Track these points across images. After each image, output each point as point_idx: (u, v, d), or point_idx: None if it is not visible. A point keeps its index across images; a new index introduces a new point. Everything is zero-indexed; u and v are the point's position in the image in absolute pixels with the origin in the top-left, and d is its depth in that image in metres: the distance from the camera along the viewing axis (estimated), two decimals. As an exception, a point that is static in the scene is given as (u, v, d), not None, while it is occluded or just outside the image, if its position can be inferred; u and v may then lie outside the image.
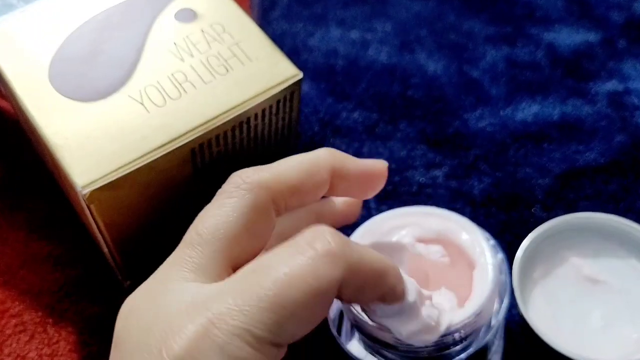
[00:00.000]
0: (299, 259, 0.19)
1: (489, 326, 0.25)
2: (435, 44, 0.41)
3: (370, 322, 0.23)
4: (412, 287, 0.21)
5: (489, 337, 0.25)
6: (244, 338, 0.18)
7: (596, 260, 0.29)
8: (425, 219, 0.26)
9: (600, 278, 0.29)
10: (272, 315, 0.18)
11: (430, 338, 0.22)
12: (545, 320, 0.27)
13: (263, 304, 0.18)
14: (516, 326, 0.30)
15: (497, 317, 0.25)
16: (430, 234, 0.26)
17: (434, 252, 0.25)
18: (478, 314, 0.23)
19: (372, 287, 0.20)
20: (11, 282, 0.31)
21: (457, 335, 0.23)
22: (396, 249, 0.25)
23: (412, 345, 0.23)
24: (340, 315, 0.25)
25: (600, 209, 0.31)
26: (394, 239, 0.25)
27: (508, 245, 0.32)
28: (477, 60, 0.40)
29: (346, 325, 0.25)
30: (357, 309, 0.23)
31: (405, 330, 0.22)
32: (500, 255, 0.26)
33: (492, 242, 0.26)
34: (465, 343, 0.24)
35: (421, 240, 0.26)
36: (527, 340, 0.27)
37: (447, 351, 0.24)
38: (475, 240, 0.25)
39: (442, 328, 0.22)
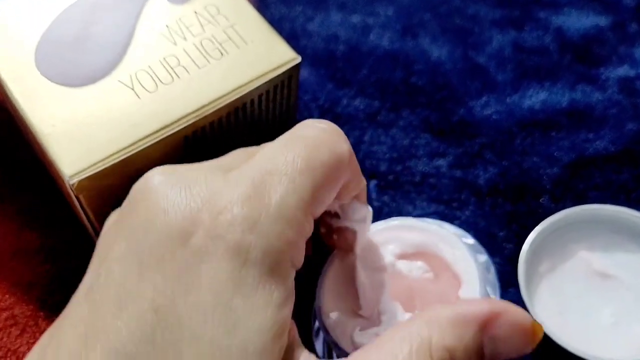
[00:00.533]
0: (317, 130, 0.21)
1: None
2: (440, 29, 0.40)
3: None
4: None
5: None
6: (293, 202, 0.19)
7: (606, 254, 0.28)
8: (405, 233, 0.26)
9: (610, 273, 0.28)
10: (309, 178, 0.20)
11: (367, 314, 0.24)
12: (551, 316, 0.27)
13: (299, 168, 0.19)
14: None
15: None
16: (412, 248, 0.26)
17: (417, 268, 0.25)
18: None
19: (357, 179, 0.23)
20: (1, 274, 0.31)
21: None
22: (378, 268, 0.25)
23: None
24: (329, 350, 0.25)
25: (611, 200, 0.30)
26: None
27: (515, 236, 0.32)
28: (483, 45, 0.39)
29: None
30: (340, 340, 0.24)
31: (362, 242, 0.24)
32: (484, 257, 0.26)
33: (471, 241, 0.26)
34: None
35: (403, 256, 0.26)
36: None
37: None
38: (458, 255, 0.25)
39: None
